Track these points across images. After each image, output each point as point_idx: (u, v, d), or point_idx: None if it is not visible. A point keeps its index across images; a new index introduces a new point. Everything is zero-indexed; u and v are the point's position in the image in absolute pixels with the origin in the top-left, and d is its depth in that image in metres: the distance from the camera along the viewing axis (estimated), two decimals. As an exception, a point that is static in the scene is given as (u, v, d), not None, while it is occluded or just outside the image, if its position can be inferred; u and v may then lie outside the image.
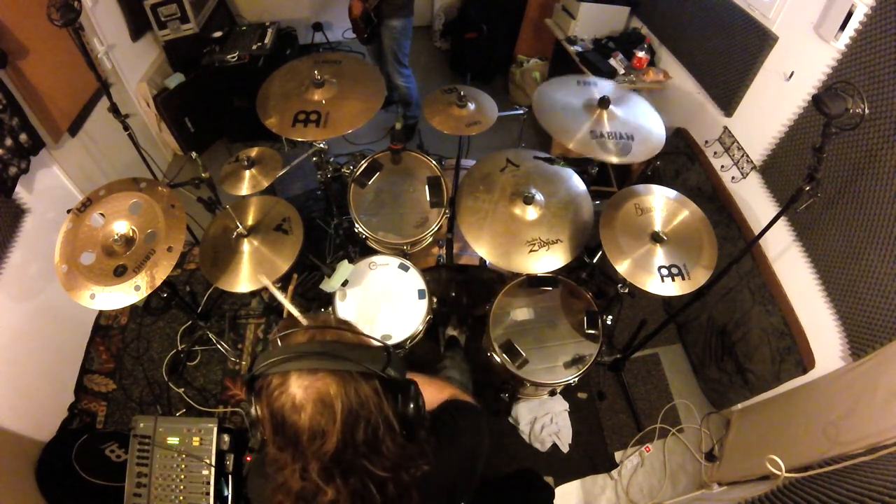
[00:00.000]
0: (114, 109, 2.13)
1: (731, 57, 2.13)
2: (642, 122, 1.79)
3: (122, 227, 1.58)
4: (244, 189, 1.77)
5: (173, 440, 1.83)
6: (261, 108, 1.83)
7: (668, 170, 2.62)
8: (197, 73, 3.02)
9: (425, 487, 0.71)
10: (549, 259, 1.68)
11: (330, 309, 1.75)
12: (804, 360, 1.81)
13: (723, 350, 2.21)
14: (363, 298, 1.78)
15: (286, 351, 0.65)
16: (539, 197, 1.75)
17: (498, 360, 1.76)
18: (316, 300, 2.24)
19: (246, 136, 3.27)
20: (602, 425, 2.25)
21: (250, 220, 1.80)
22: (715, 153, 2.33)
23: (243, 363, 2.39)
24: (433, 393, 1.01)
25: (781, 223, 1.88)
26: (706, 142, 2.39)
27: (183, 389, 2.29)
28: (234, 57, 2.94)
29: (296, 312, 0.73)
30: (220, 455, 1.82)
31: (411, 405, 0.68)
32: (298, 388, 0.62)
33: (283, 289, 1.97)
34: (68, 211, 1.62)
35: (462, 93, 1.90)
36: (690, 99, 2.49)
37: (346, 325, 0.75)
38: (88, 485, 1.91)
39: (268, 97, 1.86)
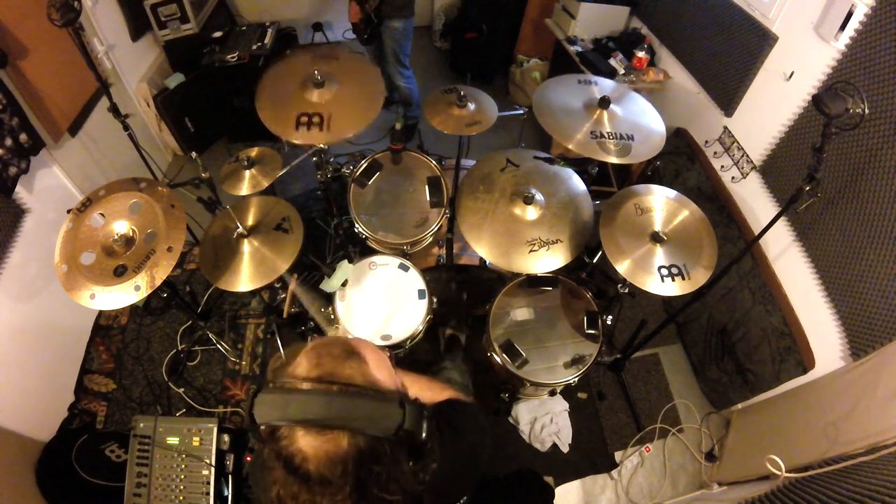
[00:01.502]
0: (114, 109, 2.13)
1: (731, 57, 2.13)
2: (642, 122, 1.79)
3: (122, 227, 1.58)
4: (244, 189, 1.77)
5: (173, 440, 1.83)
6: (260, 104, 1.82)
7: (668, 170, 2.62)
8: (197, 73, 3.02)
9: (432, 487, 0.71)
10: (549, 259, 1.68)
11: (330, 309, 1.75)
12: (804, 360, 1.81)
13: (723, 350, 2.21)
14: (363, 298, 1.78)
15: (289, 403, 0.61)
16: (539, 197, 1.74)
17: (498, 360, 1.76)
18: (316, 300, 2.24)
19: (246, 136, 3.27)
20: (602, 425, 2.25)
21: (250, 220, 1.80)
22: (715, 153, 2.33)
23: (243, 363, 2.39)
24: (433, 396, 1.01)
25: (781, 223, 1.88)
26: (706, 142, 2.39)
27: (183, 389, 2.29)
28: (234, 57, 2.94)
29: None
30: (220, 455, 1.83)
31: (425, 440, 0.65)
32: (307, 446, 0.60)
33: (283, 289, 1.98)
34: (68, 211, 1.62)
35: (462, 93, 1.90)
36: (690, 99, 2.49)
37: (352, 352, 0.67)
38: (88, 485, 1.91)
39: (266, 93, 1.85)
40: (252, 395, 0.63)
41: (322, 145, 1.94)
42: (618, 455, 2.19)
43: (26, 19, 1.94)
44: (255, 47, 3.01)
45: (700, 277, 1.56)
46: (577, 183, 1.85)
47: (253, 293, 2.54)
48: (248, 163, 1.79)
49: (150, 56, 2.98)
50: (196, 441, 1.82)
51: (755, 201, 2.10)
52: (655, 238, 1.60)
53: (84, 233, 1.58)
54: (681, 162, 2.54)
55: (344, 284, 1.78)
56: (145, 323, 2.51)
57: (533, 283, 1.89)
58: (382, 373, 0.68)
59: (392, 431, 0.61)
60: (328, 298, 1.78)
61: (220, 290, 2.21)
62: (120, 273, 1.51)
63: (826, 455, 1.52)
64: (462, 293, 2.22)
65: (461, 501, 0.91)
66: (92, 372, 2.38)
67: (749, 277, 2.07)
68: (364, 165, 1.99)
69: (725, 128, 2.24)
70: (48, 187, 2.18)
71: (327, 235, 2.62)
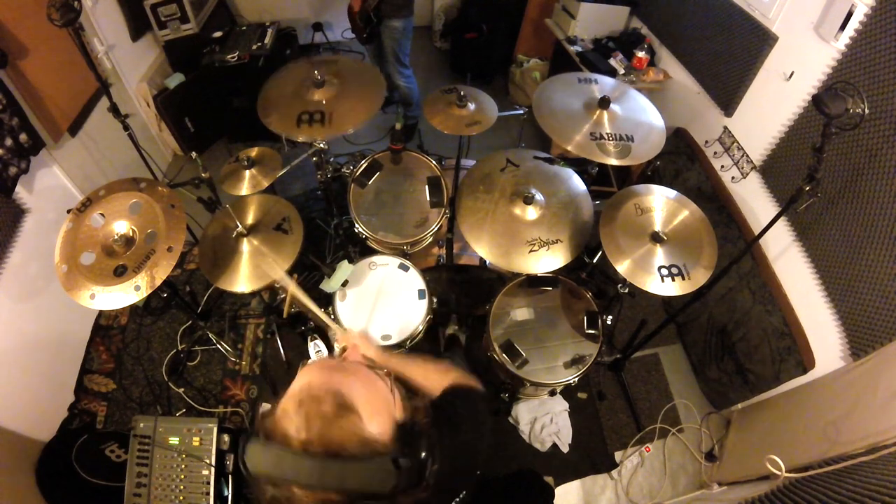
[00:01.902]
0: (114, 109, 2.13)
1: (731, 57, 2.13)
2: (643, 120, 1.78)
3: (122, 227, 1.58)
4: (244, 189, 1.77)
5: (173, 440, 1.82)
6: (262, 111, 1.82)
7: (668, 170, 2.62)
8: (197, 73, 3.02)
9: (434, 486, 0.71)
10: (549, 259, 1.68)
11: (330, 309, 1.75)
12: (804, 360, 1.81)
13: (723, 350, 2.21)
14: (363, 298, 1.78)
15: (281, 460, 0.60)
16: (539, 197, 1.74)
17: (498, 360, 1.76)
18: (316, 300, 2.24)
19: (246, 136, 3.27)
20: (602, 425, 2.25)
21: (250, 220, 1.80)
22: (715, 153, 2.33)
23: (243, 363, 2.39)
24: (437, 378, 1.02)
25: (781, 223, 1.88)
26: (706, 142, 2.39)
27: (183, 389, 2.29)
28: (234, 57, 2.94)
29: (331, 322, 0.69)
30: (220, 455, 1.82)
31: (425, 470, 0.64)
32: (300, 496, 0.60)
33: (284, 289, 1.98)
34: (68, 211, 1.62)
35: (462, 93, 1.90)
36: (690, 99, 2.49)
37: (342, 405, 0.64)
38: (88, 485, 1.91)
39: (269, 100, 1.85)
40: (243, 443, 0.62)
41: (322, 145, 1.94)
42: (618, 455, 2.19)
43: (26, 19, 1.94)
44: (255, 47, 3.02)
45: (700, 277, 1.56)
46: (577, 183, 1.85)
47: (253, 293, 2.54)
48: (248, 163, 1.79)
49: (150, 56, 2.98)
50: (196, 441, 1.82)
51: (755, 201, 2.10)
52: (655, 238, 1.60)
53: (84, 233, 1.58)
54: (681, 162, 2.54)
55: (344, 284, 1.78)
56: (145, 323, 2.51)
57: (533, 283, 1.89)
58: (378, 418, 0.65)
59: (387, 491, 0.60)
60: (328, 298, 1.78)
61: (220, 290, 2.21)
62: (120, 273, 1.52)
63: (826, 455, 1.52)
64: (462, 293, 2.22)
65: (460, 497, 0.91)
66: (92, 372, 2.38)
67: (749, 277, 2.07)
68: (364, 165, 1.99)
69: (725, 128, 2.24)
70: (48, 187, 2.18)
71: (327, 235, 2.62)
